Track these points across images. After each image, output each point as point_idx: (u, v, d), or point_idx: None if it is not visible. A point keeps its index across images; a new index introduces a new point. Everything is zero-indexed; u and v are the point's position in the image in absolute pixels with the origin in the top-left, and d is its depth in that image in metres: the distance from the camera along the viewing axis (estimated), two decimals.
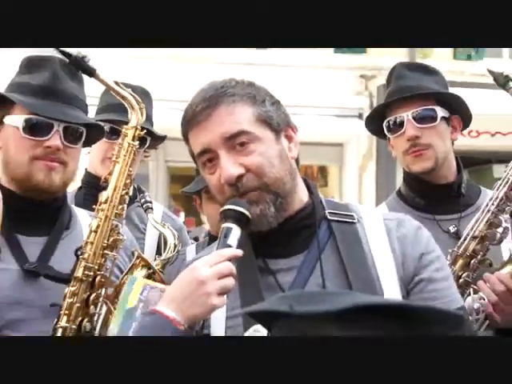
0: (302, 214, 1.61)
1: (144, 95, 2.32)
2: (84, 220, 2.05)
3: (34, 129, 1.91)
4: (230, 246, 1.47)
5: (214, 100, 1.53)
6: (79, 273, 1.81)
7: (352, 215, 1.64)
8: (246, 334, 1.44)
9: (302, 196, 1.63)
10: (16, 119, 1.92)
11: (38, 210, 1.98)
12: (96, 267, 1.83)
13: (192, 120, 1.56)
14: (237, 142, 1.52)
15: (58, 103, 1.94)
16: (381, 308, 1.03)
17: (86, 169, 2.74)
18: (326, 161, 11.98)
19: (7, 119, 1.95)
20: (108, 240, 1.86)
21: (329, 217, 1.62)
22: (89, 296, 1.81)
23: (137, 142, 1.95)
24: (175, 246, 2.19)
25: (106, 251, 1.86)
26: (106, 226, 1.86)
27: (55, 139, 1.90)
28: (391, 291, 1.52)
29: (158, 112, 2.92)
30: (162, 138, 2.84)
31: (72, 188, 2.41)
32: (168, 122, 5.11)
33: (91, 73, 1.87)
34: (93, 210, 1.93)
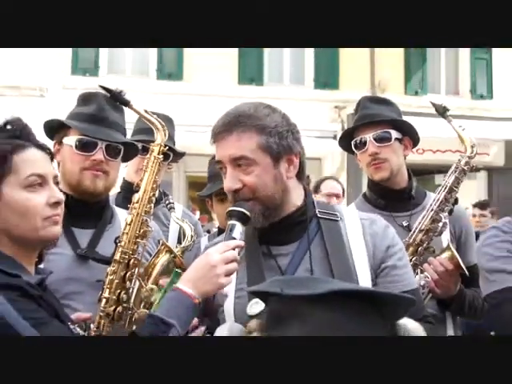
0: (297, 213, 1.59)
1: (167, 121, 2.31)
2: (122, 216, 2.04)
3: (83, 146, 1.92)
4: (234, 239, 1.48)
5: (229, 127, 1.53)
6: (117, 256, 1.81)
7: (336, 214, 1.63)
8: (249, 305, 1.44)
9: (295, 201, 1.61)
10: (71, 139, 1.94)
11: (87, 209, 1.99)
12: (130, 252, 1.82)
13: (214, 137, 1.56)
14: (239, 163, 1.52)
15: (102, 127, 1.95)
16: (354, 293, 1.04)
17: (123, 178, 2.73)
18: (308, 171, 11.86)
19: (65, 140, 1.96)
20: (139, 231, 1.85)
21: (318, 215, 1.61)
22: (125, 274, 1.80)
23: (161, 156, 1.93)
24: (192, 236, 2.15)
25: (138, 240, 1.85)
26: (137, 220, 1.85)
27: (99, 154, 1.92)
28: (363, 275, 1.52)
29: (179, 134, 2.93)
30: (182, 154, 2.82)
31: (113, 192, 2.41)
32: (187, 141, 5.12)
33: (126, 103, 1.88)
34: (128, 208, 1.92)
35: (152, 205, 1.91)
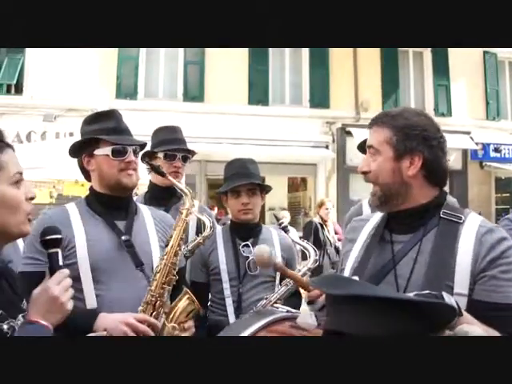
0: (419, 209, 1.42)
1: (177, 130, 2.36)
2: (144, 211, 1.99)
3: (117, 153, 1.86)
4: (61, 266, 1.24)
5: (375, 120, 1.47)
6: (147, 298, 1.76)
7: (460, 217, 1.41)
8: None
9: (419, 198, 1.43)
10: (105, 150, 1.86)
11: (120, 203, 1.91)
12: (157, 295, 1.77)
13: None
14: (370, 151, 1.46)
15: (125, 136, 1.92)
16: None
17: (150, 180, 2.64)
18: (306, 174, 12.01)
19: (98, 151, 1.87)
20: (166, 278, 1.79)
21: (441, 215, 1.41)
22: (151, 313, 1.76)
23: (188, 218, 1.91)
24: (211, 227, 2.07)
25: (164, 285, 1.79)
26: (165, 270, 1.79)
27: (130, 157, 1.87)
28: (460, 277, 1.31)
29: (201, 145, 2.83)
30: (194, 152, 2.67)
31: (141, 192, 2.29)
32: (208, 150, 5.01)
33: (163, 174, 2.03)
34: (153, 205, 1.95)
35: (178, 257, 1.84)
